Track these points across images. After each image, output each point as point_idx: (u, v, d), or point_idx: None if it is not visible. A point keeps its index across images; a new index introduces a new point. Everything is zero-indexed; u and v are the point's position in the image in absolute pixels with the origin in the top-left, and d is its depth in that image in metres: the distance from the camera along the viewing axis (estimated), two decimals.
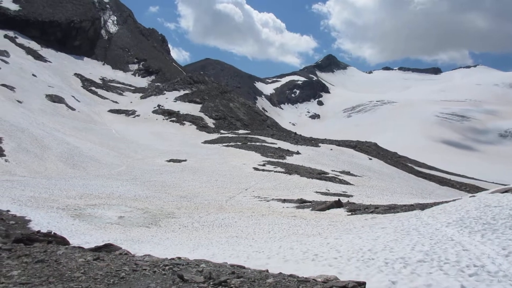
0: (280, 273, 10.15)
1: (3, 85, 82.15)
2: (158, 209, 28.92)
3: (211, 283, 8.17)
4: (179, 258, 12.14)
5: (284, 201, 33.79)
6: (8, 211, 23.55)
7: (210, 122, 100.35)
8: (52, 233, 18.39)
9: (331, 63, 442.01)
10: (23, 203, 27.07)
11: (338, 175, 53.89)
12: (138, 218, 25.82)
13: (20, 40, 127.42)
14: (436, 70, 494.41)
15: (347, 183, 49.63)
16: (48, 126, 65.26)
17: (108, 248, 13.97)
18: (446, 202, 23.59)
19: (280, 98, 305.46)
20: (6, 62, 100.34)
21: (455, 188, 68.12)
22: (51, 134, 59.88)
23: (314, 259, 13.43)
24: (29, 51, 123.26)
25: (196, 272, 9.22)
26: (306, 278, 9.41)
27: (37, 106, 79.03)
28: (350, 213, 25.88)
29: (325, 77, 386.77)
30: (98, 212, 26.30)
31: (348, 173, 57.41)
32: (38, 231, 18.94)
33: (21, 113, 66.45)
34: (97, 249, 14.10)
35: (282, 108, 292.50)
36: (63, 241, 16.10)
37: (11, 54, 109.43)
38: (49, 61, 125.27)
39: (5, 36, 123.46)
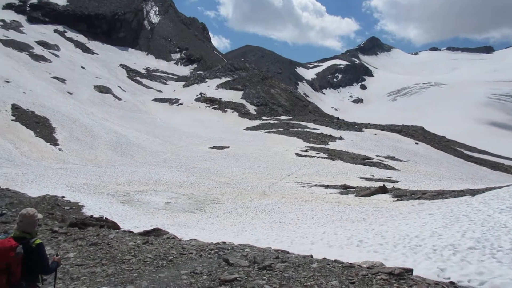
0: (325, 258, 10.11)
1: (55, 77, 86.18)
2: (202, 195, 29.56)
3: (255, 267, 8.27)
4: (224, 242, 12.39)
5: (327, 187, 33.51)
6: (63, 197, 24.90)
7: (251, 108, 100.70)
8: (104, 218, 19.30)
9: (374, 46, 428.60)
10: (76, 189, 28.51)
11: (383, 161, 52.68)
12: (183, 204, 26.52)
13: (69, 34, 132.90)
14: (488, 49, 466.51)
15: (392, 168, 48.43)
16: (97, 116, 67.95)
17: (156, 232, 14.49)
18: (499, 187, 22.51)
19: (322, 83, 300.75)
20: (57, 56, 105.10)
21: (509, 173, 64.79)
22: (100, 123, 62.35)
23: (358, 245, 13.28)
24: (78, 44, 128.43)
25: (241, 257, 9.37)
26: (351, 263, 9.32)
27: (86, 97, 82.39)
28: (395, 199, 25.29)
29: (368, 60, 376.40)
30: (146, 198, 27.24)
31: (393, 158, 55.99)
32: (91, 216, 19.93)
33: (72, 104, 69.53)
34: (146, 233, 14.65)
35: (324, 93, 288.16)
36: (114, 226, 16.86)
37: (61, 48, 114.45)
38: (96, 53, 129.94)
39: (55, 31, 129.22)
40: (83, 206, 22.88)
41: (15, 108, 54.00)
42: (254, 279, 7.43)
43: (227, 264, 8.54)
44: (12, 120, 50.63)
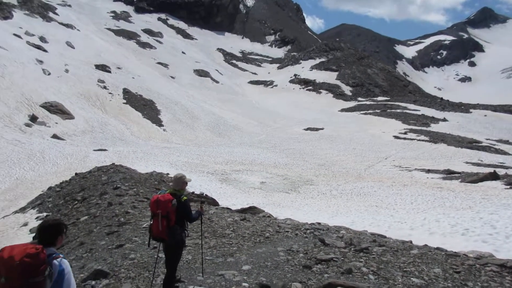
0: (426, 245, 9.62)
1: (159, 63, 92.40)
2: (297, 176, 29.76)
3: (352, 249, 8.17)
4: (319, 223, 12.40)
5: (429, 171, 31.55)
6: (168, 174, 26.83)
7: (347, 89, 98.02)
8: (204, 194, 20.48)
9: (486, 17, 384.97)
10: (179, 167, 30.54)
11: (494, 144, 47.94)
12: (278, 184, 26.99)
13: (171, 21, 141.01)
14: None
15: (505, 153, 43.88)
16: (197, 98, 71.62)
17: (252, 210, 15.00)
18: None
19: (424, 61, 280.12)
20: (161, 43, 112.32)
21: None
22: (199, 105, 65.67)
23: (464, 234, 12.38)
24: (179, 31, 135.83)
25: (336, 238, 9.31)
26: (455, 252, 8.74)
27: (187, 80, 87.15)
28: (508, 187, 22.96)
29: (478, 34, 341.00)
30: (242, 177, 28.23)
31: (506, 142, 50.67)
32: (193, 192, 21.28)
33: (174, 87, 74.11)
34: (243, 210, 15.25)
35: (426, 72, 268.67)
36: (213, 202, 17.82)
37: (164, 35, 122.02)
38: (195, 39, 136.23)
39: (159, 19, 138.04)
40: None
41: (126, 92, 59.17)
42: (351, 260, 7.35)
43: (323, 244, 8.55)
44: (124, 103, 55.61)
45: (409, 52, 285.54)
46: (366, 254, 7.85)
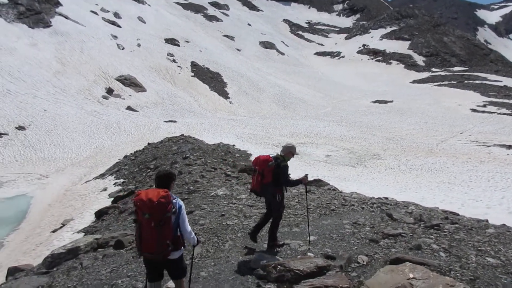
0: (504, 224, 9.02)
1: (225, 36, 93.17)
2: (363, 150, 29.07)
3: (421, 225, 7.89)
4: (386, 198, 12.09)
5: (509, 147, 29.27)
6: (234, 145, 27.45)
7: (419, 59, 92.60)
8: None
9: None
10: (245, 139, 31.07)
11: None
12: (344, 158, 26.57)
13: None
14: None
15: None
16: (262, 70, 71.62)
17: (317, 183, 14.93)
18: None
19: (510, 26, 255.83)
20: (227, 15, 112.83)
21: None
22: (265, 78, 65.68)
23: None
24: (244, 3, 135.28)
25: (405, 213, 9.03)
26: None
27: (252, 53, 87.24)
28: None
29: None
30: (307, 150, 28.11)
31: None
32: None
33: (240, 60, 74.60)
34: (308, 183, 15.25)
35: (511, 39, 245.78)
36: None
37: (230, 8, 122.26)
38: (261, 10, 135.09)
39: None
40: (251, 154, 24.84)
41: (194, 65, 60.64)
42: (420, 236, 7.11)
43: (391, 219, 8.35)
44: (191, 76, 57.12)
45: (493, 17, 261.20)
46: (437, 231, 7.54)
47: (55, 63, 44.93)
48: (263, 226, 6.76)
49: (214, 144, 25.40)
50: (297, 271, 5.27)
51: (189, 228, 4.26)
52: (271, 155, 6.51)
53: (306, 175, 6.76)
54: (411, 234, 7.25)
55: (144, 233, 3.92)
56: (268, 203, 6.63)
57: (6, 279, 8.31)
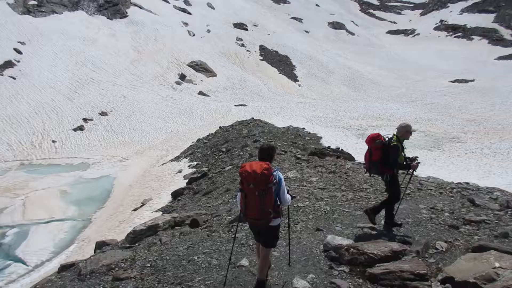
0: None
1: (293, 18, 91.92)
2: (440, 133, 27.46)
3: (508, 212, 7.32)
4: (467, 183, 11.35)
5: None
6: (304, 128, 27.28)
7: (506, 33, 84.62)
8: (340, 149, 20.34)
9: None
10: (314, 122, 30.73)
11: None
12: (419, 141, 25.31)
13: None
14: None
15: None
16: (331, 52, 69.91)
17: None
18: None
19: None
20: None
21: None
22: (334, 59, 64.10)
23: None
24: None
25: (489, 199, 8.42)
26: None
27: (321, 34, 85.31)
28: None
29: None
30: (380, 133, 27.14)
31: None
32: (328, 147, 21.31)
33: (308, 42, 73.36)
34: None
35: None
36: (349, 157, 17.60)
37: None
38: None
39: None
40: (321, 137, 24.56)
41: (262, 49, 60.75)
42: (508, 224, 6.60)
43: (473, 204, 7.84)
44: (260, 59, 57.33)
45: None
46: None
47: (132, 52, 47.40)
48: (391, 208, 6.61)
49: (283, 127, 25.44)
50: (371, 255, 5.16)
51: (287, 197, 4.56)
52: (384, 135, 6.48)
53: (417, 162, 6.47)
54: (497, 221, 6.77)
55: (248, 201, 4.35)
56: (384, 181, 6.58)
57: (95, 251, 9.08)
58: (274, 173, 4.35)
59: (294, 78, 53.80)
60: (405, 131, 6.37)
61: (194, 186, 14.53)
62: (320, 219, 7.32)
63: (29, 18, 44.91)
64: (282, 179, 4.48)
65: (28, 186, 20.65)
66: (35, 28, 43.18)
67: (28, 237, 15.40)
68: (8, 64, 35.96)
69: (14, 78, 34.52)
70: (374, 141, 6.33)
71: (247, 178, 4.30)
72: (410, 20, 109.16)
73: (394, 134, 6.38)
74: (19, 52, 38.20)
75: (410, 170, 6.56)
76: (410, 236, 6.18)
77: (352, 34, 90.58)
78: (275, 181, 4.33)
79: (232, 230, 7.04)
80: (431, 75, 60.05)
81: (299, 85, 51.94)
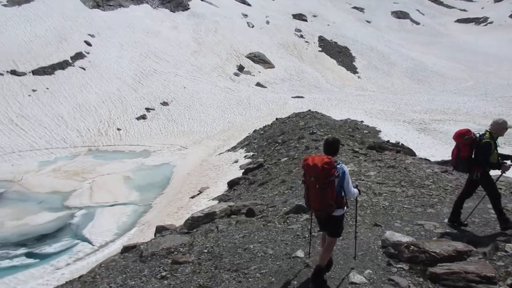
0: None
1: (354, 7, 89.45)
2: None
3: None
4: None
5: None
6: (362, 121, 26.59)
7: None
8: (400, 143, 19.61)
9: None
10: (373, 115, 29.84)
11: None
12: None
13: None
14: None
15: None
16: (394, 42, 67.29)
17: None
18: None
19: None
20: None
21: None
22: (397, 50, 61.65)
23: None
24: None
25: None
26: None
27: (383, 24, 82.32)
28: None
29: None
30: (444, 128, 25.84)
31: None
32: (388, 141, 20.61)
33: (370, 32, 71.12)
34: (444, 163, 14.03)
35: None
36: (410, 152, 16.90)
37: None
38: None
39: None
40: (379, 131, 23.83)
41: (321, 40, 59.79)
42: None
43: None
44: (319, 51, 56.49)
45: None
46: None
47: (192, 44, 48.58)
48: (460, 206, 6.40)
49: (341, 120, 24.97)
50: (432, 253, 4.93)
51: (352, 190, 4.59)
52: (475, 131, 6.15)
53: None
54: None
55: (310, 193, 4.47)
56: (469, 180, 6.29)
57: (155, 235, 9.48)
58: (337, 166, 4.37)
59: (353, 69, 52.51)
60: (501, 128, 5.95)
61: (250, 176, 14.68)
62: (378, 214, 7.11)
63: (98, 12, 47.38)
64: (346, 172, 4.50)
65: (95, 170, 21.96)
66: (104, 21, 45.50)
67: (94, 218, 16.41)
68: (79, 55, 38.28)
69: (84, 69, 36.68)
70: (462, 137, 6.04)
71: (309, 171, 4.39)
72: (482, 8, 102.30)
73: (486, 130, 6.02)
74: (89, 44, 40.49)
75: (501, 171, 6.05)
76: (477, 236, 5.83)
77: (417, 23, 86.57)
78: (337, 174, 4.36)
79: (288, 221, 7.04)
80: (505, 66, 56.01)
81: (359, 77, 50.62)
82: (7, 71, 32.60)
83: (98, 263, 8.56)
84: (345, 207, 4.63)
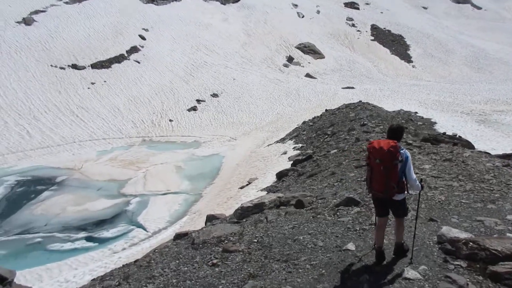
0: None
1: None
2: None
3: None
4: None
5: None
6: (416, 112, 25.61)
7: None
8: (457, 136, 18.68)
9: None
10: (428, 106, 28.64)
11: None
12: None
13: None
14: None
15: None
16: (452, 29, 63.94)
17: None
18: None
19: None
20: None
21: None
22: (455, 37, 58.57)
23: None
24: None
25: None
26: None
27: (441, 10, 78.30)
28: None
29: None
30: (506, 119, 24.33)
31: None
32: (444, 133, 19.70)
33: (426, 19, 68.01)
34: (506, 156, 13.23)
35: None
36: (468, 145, 16.06)
37: None
38: None
39: None
40: (435, 122, 22.86)
41: (374, 28, 57.97)
42: None
43: None
44: (371, 40, 54.85)
45: None
46: None
47: (242, 35, 48.83)
48: None
49: (393, 111, 24.18)
50: (493, 251, 4.66)
51: (414, 176, 4.73)
52: None
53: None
54: None
55: (374, 175, 4.67)
56: None
57: (205, 224, 9.70)
58: (401, 151, 4.57)
59: (407, 58, 50.56)
60: None
61: (298, 168, 14.61)
62: (433, 209, 6.83)
63: (152, 7, 48.74)
64: (409, 158, 4.69)
65: (148, 160, 22.80)
66: (157, 15, 46.77)
67: (148, 206, 17.09)
68: (134, 49, 39.67)
69: (139, 62, 37.98)
70: None
71: (374, 154, 4.61)
72: None
73: None
74: (143, 38, 41.83)
75: None
76: None
77: (479, 8, 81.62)
78: (401, 158, 4.55)
79: (338, 213, 6.93)
80: None
81: (413, 66, 48.68)
82: (69, 65, 34.46)
83: (152, 249, 8.90)
84: (405, 192, 4.76)
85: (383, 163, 4.52)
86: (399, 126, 4.87)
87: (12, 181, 19.96)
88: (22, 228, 15.55)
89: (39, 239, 14.76)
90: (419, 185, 4.78)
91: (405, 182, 4.69)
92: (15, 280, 4.45)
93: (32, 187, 19.51)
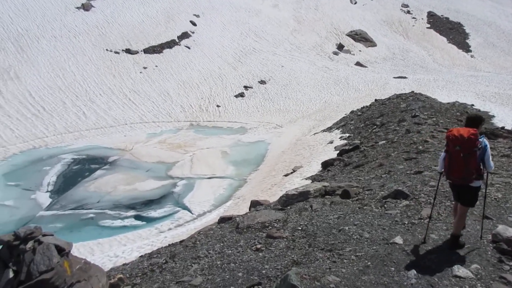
0: None
1: None
2: None
3: None
4: None
5: None
6: (472, 105, 24.36)
7: None
8: None
9: None
10: (487, 98, 27.12)
11: None
12: None
13: None
14: None
15: None
16: None
17: None
18: None
19: None
20: None
21: None
22: None
23: None
24: None
25: None
26: None
27: None
28: None
29: None
30: None
31: None
32: (502, 127, 18.62)
33: (489, 6, 64.00)
34: None
35: None
36: None
37: None
38: None
39: None
40: (493, 116, 21.68)
41: (430, 16, 55.39)
42: None
43: None
44: (427, 27, 52.48)
45: None
46: None
47: (292, 22, 48.28)
48: None
49: (448, 103, 23.11)
50: None
51: (492, 164, 4.88)
52: None
53: None
54: None
55: (453, 162, 4.79)
56: None
57: (249, 209, 9.80)
58: (480, 139, 4.68)
59: (465, 48, 48.01)
60: None
61: (345, 158, 14.36)
62: (489, 206, 6.49)
63: None
64: (488, 146, 4.81)
65: (195, 144, 23.28)
66: (208, 1, 47.16)
67: (193, 189, 17.51)
68: (185, 35, 40.33)
69: (189, 48, 38.62)
70: None
71: (454, 141, 4.72)
72: None
73: None
74: (194, 24, 42.40)
75: None
76: None
77: None
78: (480, 146, 4.67)
79: (385, 205, 6.75)
80: None
81: (471, 56, 46.17)
82: (123, 50, 35.64)
83: (197, 231, 9.12)
84: (482, 180, 4.90)
85: (463, 150, 4.64)
86: (477, 115, 5.00)
87: (69, 159, 21.12)
88: (77, 204, 16.48)
89: (91, 215, 15.59)
90: (493, 166, 4.92)
91: (482, 170, 4.82)
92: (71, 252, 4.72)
93: (87, 165, 20.57)
